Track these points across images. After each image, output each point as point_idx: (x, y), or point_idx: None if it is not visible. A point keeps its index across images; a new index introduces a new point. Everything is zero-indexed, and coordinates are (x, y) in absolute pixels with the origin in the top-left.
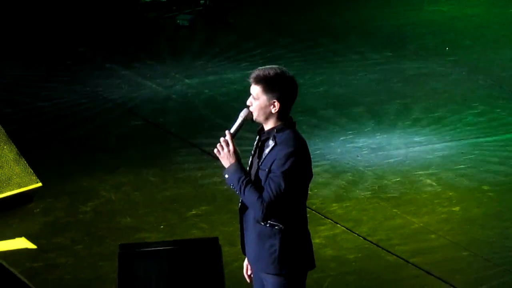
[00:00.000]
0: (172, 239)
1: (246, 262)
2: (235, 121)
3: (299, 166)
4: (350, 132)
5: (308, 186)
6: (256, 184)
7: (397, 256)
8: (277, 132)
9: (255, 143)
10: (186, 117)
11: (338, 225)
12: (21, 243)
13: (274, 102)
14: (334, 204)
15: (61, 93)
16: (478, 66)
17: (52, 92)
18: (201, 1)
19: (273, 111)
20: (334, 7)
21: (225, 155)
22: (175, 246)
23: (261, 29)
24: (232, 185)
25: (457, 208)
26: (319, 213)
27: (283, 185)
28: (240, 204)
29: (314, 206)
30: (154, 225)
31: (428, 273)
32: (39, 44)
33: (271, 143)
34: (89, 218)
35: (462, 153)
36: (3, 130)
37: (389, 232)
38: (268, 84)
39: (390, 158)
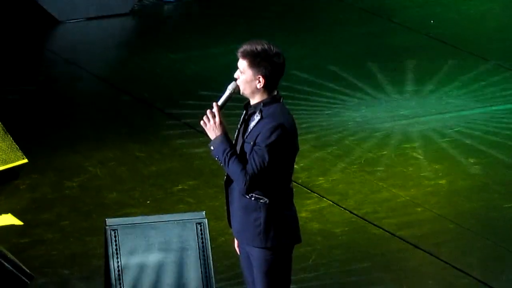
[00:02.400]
0: (158, 214)
1: (235, 241)
2: (223, 93)
3: (284, 139)
4: (335, 106)
5: (294, 160)
6: (241, 157)
7: (384, 229)
8: (263, 106)
9: (241, 117)
10: (172, 92)
11: (324, 198)
12: (7, 219)
13: (259, 77)
14: (320, 178)
15: (44, 68)
16: (463, 39)
17: (36, 67)
18: None
19: (258, 86)
20: None
21: (211, 126)
22: (161, 221)
23: (245, 3)
24: (217, 157)
25: (443, 181)
26: (305, 187)
27: (267, 157)
28: (225, 177)
29: (300, 180)
30: (140, 200)
31: (415, 246)
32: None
33: (257, 116)
34: (75, 194)
35: (447, 125)
36: None
37: (376, 205)
38: (254, 59)
39: (376, 132)
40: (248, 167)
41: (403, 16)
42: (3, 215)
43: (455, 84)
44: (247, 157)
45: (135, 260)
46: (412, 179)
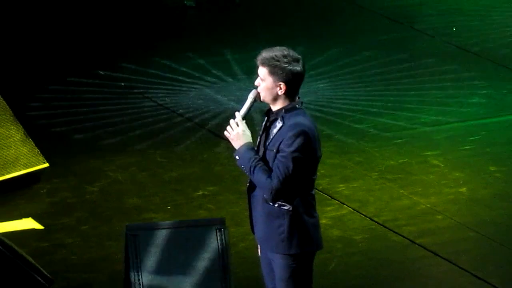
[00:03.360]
0: (179, 219)
1: (259, 248)
2: (244, 102)
3: (306, 146)
4: (357, 112)
5: (316, 167)
6: (265, 165)
7: (404, 236)
8: (285, 112)
9: (263, 123)
10: (193, 98)
11: (345, 205)
12: (28, 223)
13: (280, 84)
14: (340, 185)
15: (67, 71)
16: (485, 47)
17: (59, 72)
18: None
19: (279, 92)
20: None
21: (235, 136)
22: (182, 226)
23: (267, 10)
24: (243, 166)
25: (464, 189)
26: (326, 194)
27: (291, 165)
28: (248, 184)
29: (320, 187)
30: (160, 205)
31: (434, 253)
32: (48, 25)
33: (279, 123)
34: (96, 198)
35: (468, 133)
36: (10, 111)
37: (396, 212)
38: (274, 66)
39: (397, 139)
40: (273, 175)
41: (425, 24)
42: (24, 219)
43: (477, 92)
44: (270, 164)
45: (154, 265)
46: (432, 187)
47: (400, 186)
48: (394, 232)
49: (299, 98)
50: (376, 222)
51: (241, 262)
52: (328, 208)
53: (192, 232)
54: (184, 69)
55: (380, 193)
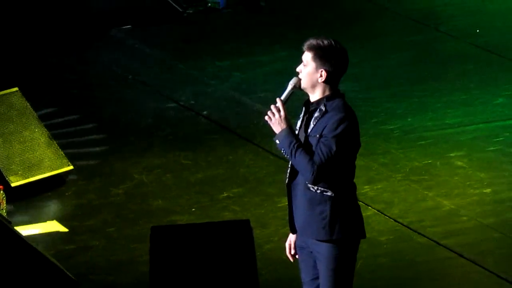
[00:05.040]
0: (204, 221)
1: (288, 241)
2: (285, 89)
3: (350, 132)
4: (382, 114)
5: (356, 156)
6: (307, 149)
7: (429, 238)
8: (327, 100)
9: (301, 115)
10: (217, 99)
11: (370, 207)
12: (53, 226)
13: (322, 71)
14: (365, 186)
15: (91, 75)
16: (509, 48)
17: (82, 76)
18: None
19: (319, 80)
20: None
21: (276, 121)
22: (207, 228)
23: (292, 12)
24: (283, 150)
25: (488, 190)
26: None
27: (334, 148)
28: (287, 177)
29: None
30: (185, 207)
31: (459, 255)
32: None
33: (321, 110)
34: (121, 201)
35: (493, 134)
36: (35, 114)
37: (421, 214)
38: (319, 53)
39: (422, 140)
40: (315, 157)
41: (450, 25)
42: (49, 222)
43: (501, 93)
44: (313, 150)
45: (180, 268)
46: (457, 188)
47: (424, 188)
48: (419, 233)
49: (339, 89)
50: (400, 223)
51: (267, 264)
52: None
53: (217, 234)
54: (209, 70)
55: (405, 195)
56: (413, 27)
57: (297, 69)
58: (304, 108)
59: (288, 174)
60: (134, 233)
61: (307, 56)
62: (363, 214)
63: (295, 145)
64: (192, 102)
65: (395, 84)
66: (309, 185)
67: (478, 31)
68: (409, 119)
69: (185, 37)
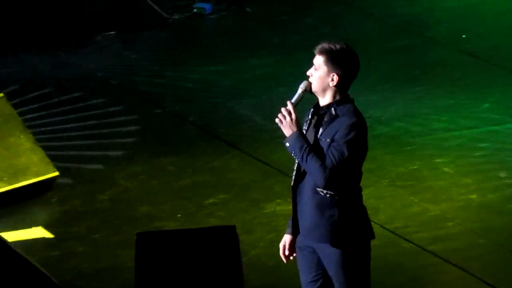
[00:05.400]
0: (189, 227)
1: (283, 242)
2: (295, 92)
3: (361, 137)
4: (368, 119)
5: (363, 161)
6: (318, 153)
7: (415, 243)
8: (337, 105)
9: (308, 117)
10: (205, 105)
11: None
12: (38, 232)
13: (333, 75)
14: None
15: (77, 81)
16: (495, 54)
17: (65, 82)
18: None
19: (330, 84)
20: None
21: (287, 124)
22: (192, 234)
23: (278, 17)
24: (294, 153)
25: (474, 196)
26: None
27: (346, 153)
28: (293, 180)
29: None
30: (171, 213)
31: (445, 260)
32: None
33: (331, 114)
34: (107, 207)
35: (479, 140)
36: (19, 119)
37: (407, 219)
38: (331, 56)
39: (408, 146)
40: (327, 162)
41: (436, 31)
42: (34, 228)
43: (487, 98)
44: (324, 153)
45: (165, 274)
46: (443, 194)
47: (411, 193)
48: (405, 239)
49: (348, 94)
50: (387, 229)
51: (253, 270)
52: None
53: (203, 240)
54: (195, 77)
55: (391, 200)
56: (398, 32)
57: (308, 73)
58: (312, 110)
59: (294, 176)
60: (119, 239)
61: (319, 60)
62: None
63: (307, 149)
64: (178, 108)
65: (381, 89)
66: (318, 189)
67: (464, 36)
68: (395, 125)
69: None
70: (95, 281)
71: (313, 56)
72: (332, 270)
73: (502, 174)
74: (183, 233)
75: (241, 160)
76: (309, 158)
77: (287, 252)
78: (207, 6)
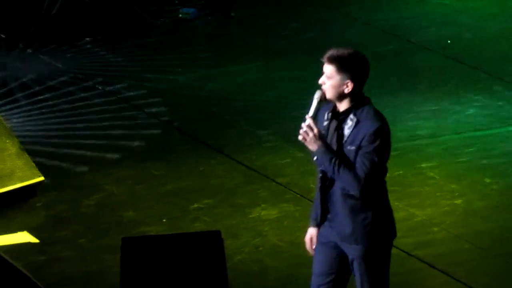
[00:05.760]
0: (174, 232)
1: (309, 235)
2: (311, 104)
3: (387, 141)
4: None
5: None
6: (346, 163)
7: (400, 249)
8: (355, 109)
9: (325, 123)
10: (189, 110)
11: None
12: (24, 237)
13: (348, 82)
14: None
15: (60, 85)
16: (480, 59)
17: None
18: None
19: (346, 91)
20: (336, 1)
21: (311, 139)
22: (177, 239)
23: (262, 22)
24: (323, 166)
25: (459, 201)
26: None
27: (377, 160)
28: (320, 183)
29: None
30: (156, 218)
31: (431, 265)
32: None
33: (351, 120)
34: (92, 212)
35: (464, 145)
36: (5, 124)
37: None
38: (342, 64)
39: (393, 151)
40: (360, 172)
41: (421, 36)
42: (20, 233)
43: (472, 104)
44: (353, 161)
45: (150, 279)
46: (428, 199)
47: (396, 199)
48: None
49: (363, 94)
50: None
51: (238, 275)
52: None
53: (188, 245)
54: (181, 82)
55: None
56: (383, 37)
57: (320, 81)
58: (330, 114)
59: (320, 180)
60: (105, 244)
61: (330, 69)
62: None
63: (336, 162)
64: (163, 112)
65: (366, 94)
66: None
67: (449, 42)
68: None
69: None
70: (81, 285)
71: (301, 61)
72: (357, 268)
73: (488, 180)
74: (168, 238)
75: (226, 165)
76: (341, 170)
77: (313, 246)
78: (192, 11)
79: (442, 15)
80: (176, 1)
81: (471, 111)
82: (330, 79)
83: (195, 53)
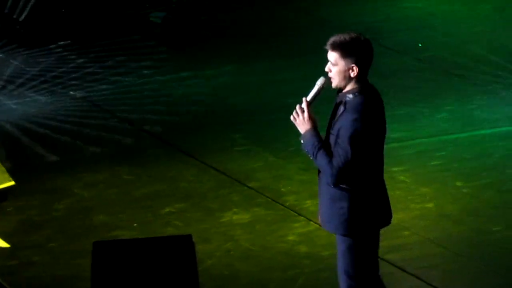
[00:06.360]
0: (146, 236)
1: None
2: (312, 88)
3: (364, 131)
4: (325, 128)
5: (381, 147)
6: (328, 149)
7: None
8: (354, 95)
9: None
10: (160, 114)
11: (312, 222)
12: None
13: (353, 66)
14: (307, 201)
15: (31, 89)
16: (452, 62)
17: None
18: None
19: (352, 75)
20: (309, 3)
21: (300, 121)
22: (149, 243)
23: (233, 26)
24: (307, 151)
25: (431, 205)
26: (292, 210)
27: (349, 150)
28: (318, 170)
29: (288, 203)
30: (128, 222)
31: (402, 270)
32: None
33: (342, 108)
34: (63, 216)
35: (435, 149)
36: None
37: None
38: (345, 49)
39: None
40: (334, 160)
41: (393, 40)
42: None
43: (444, 107)
44: (332, 148)
45: (122, 283)
46: (400, 203)
47: None
48: None
49: (367, 81)
50: None
51: (209, 279)
52: (296, 225)
53: (160, 250)
54: (152, 86)
55: None
56: None
57: (326, 69)
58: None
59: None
60: (76, 248)
61: (334, 56)
62: (306, 229)
63: (317, 147)
64: (134, 117)
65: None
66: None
67: (420, 45)
68: None
69: None
70: None
71: (274, 65)
72: (338, 255)
73: (459, 183)
74: (140, 242)
75: (198, 170)
76: (318, 155)
77: None
78: (163, 15)
79: (415, 19)
80: (147, 5)
81: (443, 114)
82: (335, 65)
83: (167, 56)
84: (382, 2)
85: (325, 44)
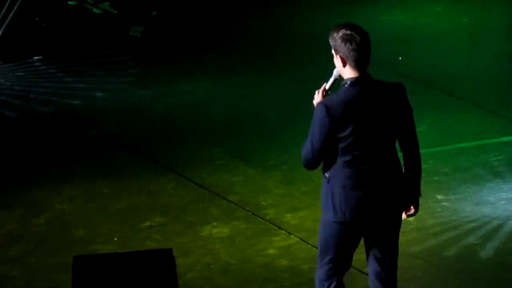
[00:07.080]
0: (126, 250)
1: None
2: (329, 77)
3: (321, 121)
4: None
5: (349, 138)
6: None
7: (351, 266)
8: (344, 87)
9: None
10: (138, 128)
11: (292, 235)
12: None
13: (339, 56)
14: (287, 215)
15: (8, 101)
16: (432, 76)
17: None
18: (153, 13)
19: (341, 65)
20: (288, 16)
21: (315, 98)
22: (129, 257)
23: (209, 40)
24: None
25: (411, 218)
26: (272, 224)
27: (309, 139)
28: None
29: (268, 217)
30: (107, 237)
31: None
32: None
33: None
34: (42, 230)
35: None
36: None
37: None
38: (331, 41)
39: None
40: (303, 145)
41: (372, 53)
42: None
43: (424, 120)
44: None
45: None
46: None
47: None
48: None
49: (364, 74)
50: None
51: None
52: (276, 238)
53: (140, 264)
54: (130, 100)
55: None
56: (330, 55)
57: None
58: None
59: None
60: (56, 262)
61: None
62: (286, 243)
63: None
64: (113, 130)
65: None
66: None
67: (400, 59)
68: None
69: None
70: None
71: (251, 78)
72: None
73: (439, 196)
74: (120, 257)
75: (177, 183)
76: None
77: None
78: (142, 29)
79: (393, 32)
80: (126, 19)
81: (423, 127)
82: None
83: (145, 71)
84: (361, 16)
85: (306, 57)
